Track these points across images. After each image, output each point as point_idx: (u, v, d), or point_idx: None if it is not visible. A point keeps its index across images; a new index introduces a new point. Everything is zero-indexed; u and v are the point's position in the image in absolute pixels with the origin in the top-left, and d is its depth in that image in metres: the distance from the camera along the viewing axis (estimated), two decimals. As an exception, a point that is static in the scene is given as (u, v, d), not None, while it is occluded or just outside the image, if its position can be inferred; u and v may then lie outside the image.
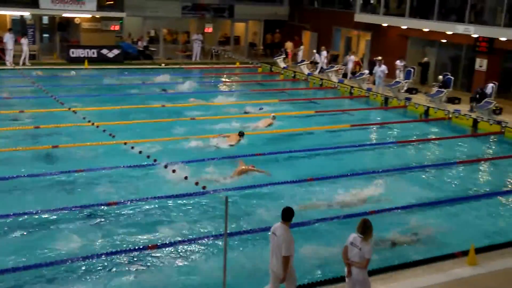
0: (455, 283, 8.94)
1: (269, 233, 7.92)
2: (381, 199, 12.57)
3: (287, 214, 7.73)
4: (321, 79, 27.48)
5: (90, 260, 9.20)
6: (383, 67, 25.02)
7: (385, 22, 27.87)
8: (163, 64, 30.73)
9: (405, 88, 25.06)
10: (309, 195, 12.60)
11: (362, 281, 7.61)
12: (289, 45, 33.14)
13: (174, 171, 12.06)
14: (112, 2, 31.01)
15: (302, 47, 31.47)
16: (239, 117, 19.23)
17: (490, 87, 21.90)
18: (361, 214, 10.93)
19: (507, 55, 24.05)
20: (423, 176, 14.51)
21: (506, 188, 13.94)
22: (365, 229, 7.53)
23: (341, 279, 8.32)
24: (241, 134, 16.44)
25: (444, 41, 26.10)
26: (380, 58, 25.53)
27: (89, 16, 30.32)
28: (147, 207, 11.58)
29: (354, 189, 12.90)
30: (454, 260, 9.63)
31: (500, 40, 22.28)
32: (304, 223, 10.77)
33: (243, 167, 13.56)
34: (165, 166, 12.23)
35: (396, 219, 11.52)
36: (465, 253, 9.70)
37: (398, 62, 25.99)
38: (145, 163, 13.17)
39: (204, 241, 10.11)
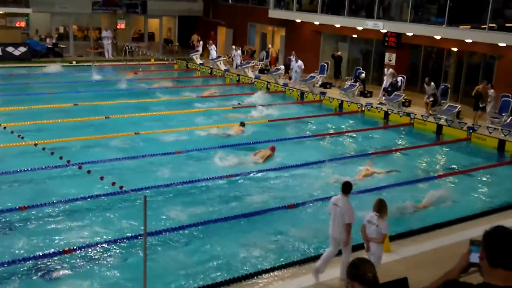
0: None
1: (330, 204, 8.79)
2: (299, 192, 12.79)
3: (347, 187, 8.69)
4: (238, 75, 27.56)
5: (6, 266, 8.70)
6: (300, 62, 25.45)
7: (298, 18, 28.33)
8: (74, 62, 29.64)
9: (320, 82, 25.63)
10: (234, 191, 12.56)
11: (378, 255, 8.44)
12: (195, 37, 33.09)
13: (89, 171, 11.64)
14: (17, -3, 29.52)
15: (210, 42, 31.30)
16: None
17: (399, 80, 22.83)
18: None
19: (413, 49, 25.19)
20: (340, 168, 14.85)
21: (416, 177, 14.52)
22: (381, 207, 8.35)
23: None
24: (242, 124, 17.59)
25: (355, 36, 26.91)
26: (294, 53, 25.94)
27: (-8, 11, 28.74)
28: (62, 209, 11.12)
29: (265, 182, 13.00)
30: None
31: (407, 35, 23.27)
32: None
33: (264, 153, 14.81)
34: (79, 167, 11.79)
35: (314, 209, 11.75)
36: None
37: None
38: (59, 164, 12.62)
39: (124, 242, 9.83)
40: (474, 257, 3.11)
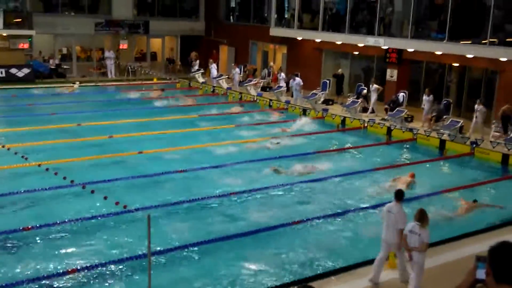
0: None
1: (384, 211, 9.35)
2: (302, 208, 12.76)
3: (401, 195, 9.24)
4: (240, 93, 27.66)
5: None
6: (298, 79, 25.60)
7: (299, 35, 28.51)
8: (77, 82, 29.81)
9: (322, 99, 25.70)
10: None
11: (422, 263, 8.68)
12: (193, 55, 33.32)
13: (92, 191, 11.67)
14: (19, 20, 29.77)
15: (211, 60, 31.53)
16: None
17: (401, 96, 22.89)
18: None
19: (415, 65, 25.28)
20: (337, 186, 14.80)
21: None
22: (422, 217, 8.64)
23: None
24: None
25: (356, 53, 27.04)
26: (295, 73, 26.09)
27: (-5, 34, 29.00)
28: (66, 229, 11.10)
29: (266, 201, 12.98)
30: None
31: (408, 51, 23.38)
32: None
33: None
34: (92, 191, 11.79)
35: (324, 226, 11.71)
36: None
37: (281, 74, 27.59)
38: (63, 184, 12.64)
39: (128, 261, 9.79)
40: (481, 273, 3.09)
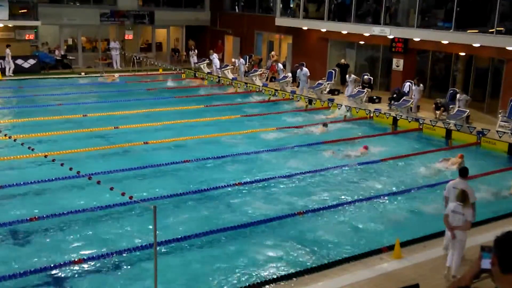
0: (380, 278, 9.18)
1: (448, 188, 10.13)
2: (311, 199, 12.78)
3: (466, 172, 10.21)
4: (246, 83, 27.63)
5: (17, 278, 8.74)
6: (305, 70, 25.50)
7: (305, 25, 28.40)
8: (83, 73, 29.85)
9: (328, 89, 25.63)
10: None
11: (464, 242, 9.17)
12: (190, 43, 33.27)
13: (98, 182, 11.69)
14: (25, 11, 29.78)
15: (211, 51, 31.44)
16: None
17: (407, 85, 22.80)
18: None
19: (421, 54, 25.15)
20: (344, 175, 14.83)
21: (426, 182, 14.43)
22: (464, 197, 9.09)
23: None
24: (325, 125, 19.52)
25: (362, 42, 26.92)
26: (301, 62, 26.00)
27: (1, 25, 28.99)
28: (72, 220, 11.17)
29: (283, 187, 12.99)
30: (380, 255, 9.89)
31: (414, 41, 23.25)
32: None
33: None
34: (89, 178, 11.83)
35: (328, 217, 11.75)
36: (391, 248, 10.00)
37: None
38: (69, 175, 12.68)
39: (135, 251, 9.84)
40: (486, 263, 3.09)
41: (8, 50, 27.85)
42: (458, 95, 20.51)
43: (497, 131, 18.47)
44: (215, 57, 30.66)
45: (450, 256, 9.29)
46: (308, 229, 11.21)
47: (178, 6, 35.39)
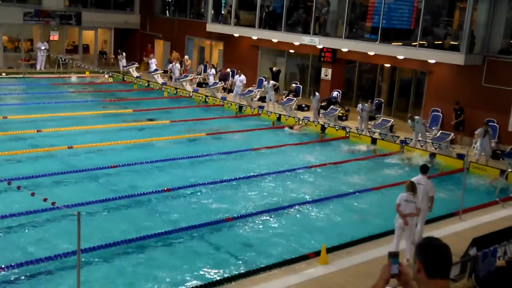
0: (308, 283, 9.28)
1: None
2: (236, 206, 12.76)
3: (427, 169, 11.14)
4: (176, 88, 27.34)
5: None
6: (242, 76, 25.53)
7: (236, 32, 28.46)
8: (3, 74, 28.53)
9: (258, 96, 25.78)
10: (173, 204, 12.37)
11: (414, 225, 10.40)
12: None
13: (18, 187, 11.16)
14: None
15: (151, 55, 31.12)
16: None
17: (335, 95, 23.30)
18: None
19: (349, 65, 25.82)
20: (273, 182, 14.93)
21: (349, 190, 14.68)
22: (413, 188, 10.06)
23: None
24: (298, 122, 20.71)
25: (292, 51, 27.30)
26: (229, 69, 26.02)
27: None
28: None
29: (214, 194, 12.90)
30: (307, 261, 10.00)
31: (342, 51, 23.83)
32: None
33: None
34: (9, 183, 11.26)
35: (256, 223, 11.74)
36: (317, 254, 10.14)
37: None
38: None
39: (58, 259, 9.45)
40: (394, 269, 3.22)
41: None
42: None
43: (418, 141, 19.17)
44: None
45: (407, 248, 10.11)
46: (236, 236, 11.17)
47: (106, 8, 34.54)
